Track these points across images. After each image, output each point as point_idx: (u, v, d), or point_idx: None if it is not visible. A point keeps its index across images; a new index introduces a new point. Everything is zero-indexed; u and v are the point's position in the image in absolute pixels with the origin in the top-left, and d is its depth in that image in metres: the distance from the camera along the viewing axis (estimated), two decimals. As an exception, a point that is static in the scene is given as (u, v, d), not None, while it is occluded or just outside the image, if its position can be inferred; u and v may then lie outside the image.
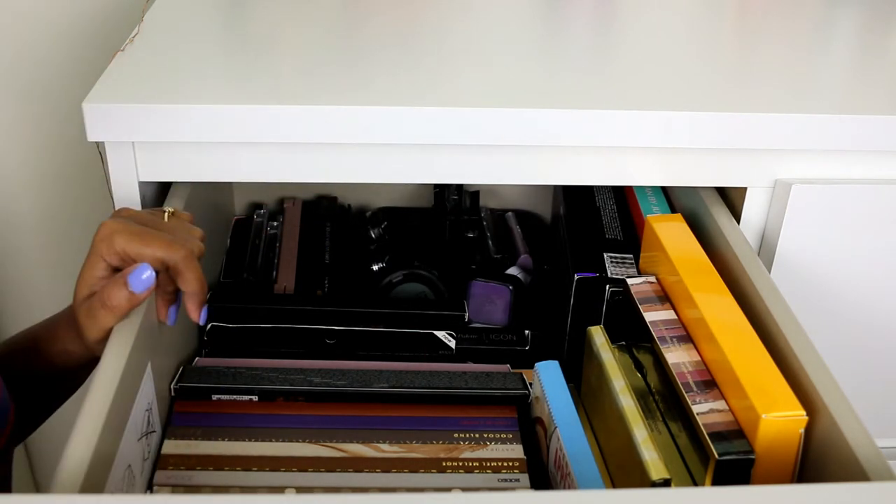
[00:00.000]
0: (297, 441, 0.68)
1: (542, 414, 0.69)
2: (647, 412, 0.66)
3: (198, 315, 0.66)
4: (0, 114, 1.17)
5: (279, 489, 0.64)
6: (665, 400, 0.65)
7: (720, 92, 0.78)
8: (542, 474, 0.69)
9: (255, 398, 0.72)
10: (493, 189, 1.14)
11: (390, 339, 0.82)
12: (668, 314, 0.70)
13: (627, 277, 0.75)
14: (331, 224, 1.05)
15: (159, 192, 0.79)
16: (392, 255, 0.97)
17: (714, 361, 0.63)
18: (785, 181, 0.77)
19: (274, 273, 0.95)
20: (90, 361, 0.70)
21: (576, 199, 0.94)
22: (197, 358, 0.78)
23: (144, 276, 0.61)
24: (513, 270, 0.99)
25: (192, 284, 0.64)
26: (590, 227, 0.88)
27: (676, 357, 0.66)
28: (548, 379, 0.69)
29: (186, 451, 0.67)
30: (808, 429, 0.58)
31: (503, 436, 0.70)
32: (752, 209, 0.79)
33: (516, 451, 0.69)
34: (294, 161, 0.75)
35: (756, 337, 0.63)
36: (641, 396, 0.67)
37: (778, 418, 0.57)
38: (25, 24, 1.14)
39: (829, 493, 0.49)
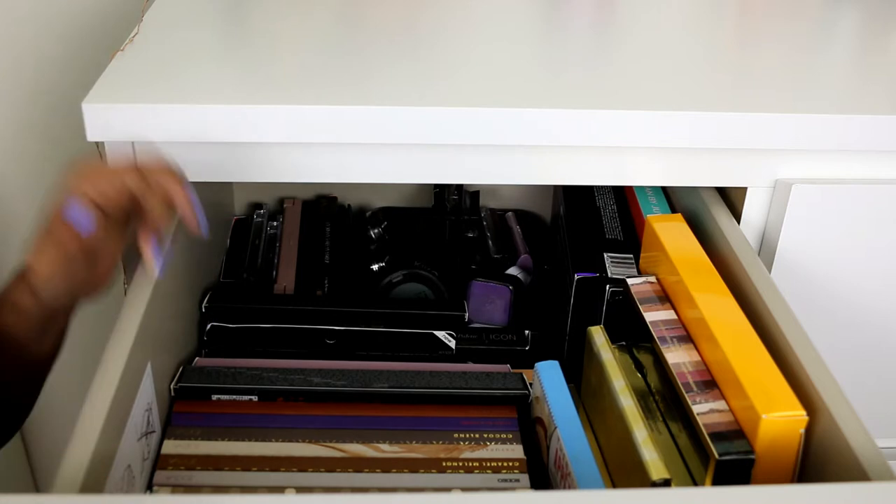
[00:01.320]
0: (297, 441, 0.68)
1: (542, 414, 0.69)
2: (647, 412, 0.66)
3: (151, 254, 0.66)
4: (0, 114, 1.17)
5: (279, 489, 0.64)
6: (665, 400, 0.65)
7: (720, 92, 0.78)
8: (542, 474, 0.68)
9: (255, 398, 0.72)
10: (493, 189, 1.14)
11: (390, 339, 0.82)
12: (669, 314, 0.70)
13: (627, 277, 0.75)
14: (331, 224, 1.05)
15: (159, 192, 0.79)
16: (392, 255, 0.97)
17: (714, 361, 0.63)
18: (785, 181, 0.77)
19: (274, 273, 0.95)
20: (45, 330, 0.67)
21: (576, 199, 0.94)
22: (197, 358, 0.78)
23: (80, 211, 0.62)
24: (513, 270, 0.99)
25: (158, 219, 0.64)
26: (590, 227, 0.88)
27: (676, 357, 0.66)
28: (548, 379, 0.69)
29: (186, 451, 0.67)
30: (808, 429, 0.58)
31: (503, 436, 0.70)
32: (753, 209, 0.79)
33: (516, 451, 0.69)
34: (294, 161, 0.75)
35: (756, 337, 0.63)
36: (641, 396, 0.67)
37: (778, 418, 0.57)
38: (25, 24, 1.14)
39: (829, 493, 0.49)
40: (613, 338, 0.74)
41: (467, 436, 0.70)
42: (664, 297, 0.72)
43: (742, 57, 0.87)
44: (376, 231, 1.04)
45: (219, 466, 0.66)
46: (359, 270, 0.98)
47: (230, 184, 1.09)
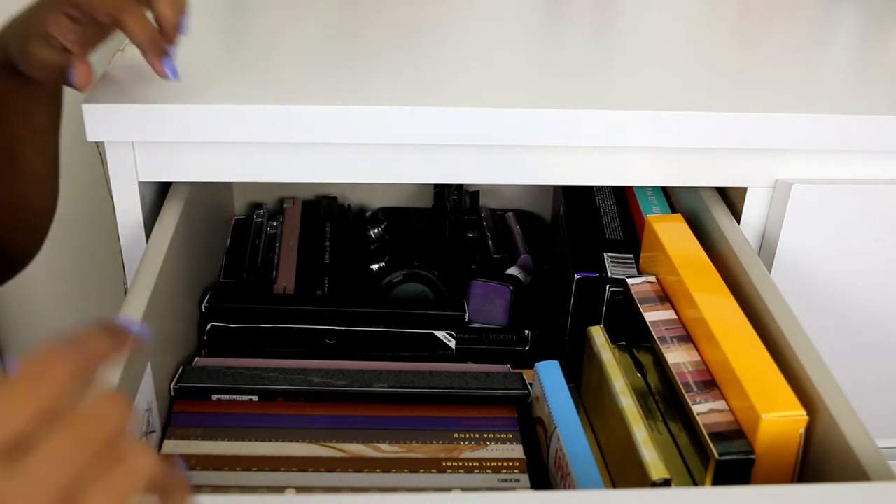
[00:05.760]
0: (297, 441, 0.68)
1: (542, 414, 0.69)
2: (647, 412, 0.66)
3: (160, 66, 0.63)
4: (0, 114, 1.17)
5: (279, 489, 0.64)
6: (665, 400, 0.65)
7: (720, 92, 0.78)
8: (542, 474, 0.69)
9: (255, 398, 0.72)
10: (493, 189, 1.14)
11: (390, 339, 0.82)
12: (668, 314, 0.70)
13: (627, 277, 0.75)
14: (331, 224, 1.05)
15: (159, 192, 0.79)
16: (392, 255, 0.97)
17: (714, 361, 0.63)
18: (785, 181, 0.77)
19: (274, 273, 0.95)
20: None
21: (576, 199, 0.94)
22: (197, 358, 0.78)
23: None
24: (513, 270, 0.99)
25: (137, 35, 0.62)
26: (590, 227, 0.88)
27: (676, 357, 0.66)
28: (548, 379, 0.69)
29: (186, 451, 0.67)
30: (808, 429, 0.58)
31: (503, 436, 0.70)
32: (752, 209, 0.79)
33: (516, 451, 0.69)
34: (294, 161, 0.75)
35: (756, 337, 0.63)
36: (641, 396, 0.67)
37: (778, 418, 0.57)
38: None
39: (829, 493, 0.49)
40: (613, 338, 0.74)
41: (467, 436, 0.70)
42: (664, 297, 0.72)
43: (742, 57, 0.87)
44: (376, 231, 1.04)
45: (219, 466, 0.66)
46: (359, 270, 0.98)
47: (230, 184, 1.09)
